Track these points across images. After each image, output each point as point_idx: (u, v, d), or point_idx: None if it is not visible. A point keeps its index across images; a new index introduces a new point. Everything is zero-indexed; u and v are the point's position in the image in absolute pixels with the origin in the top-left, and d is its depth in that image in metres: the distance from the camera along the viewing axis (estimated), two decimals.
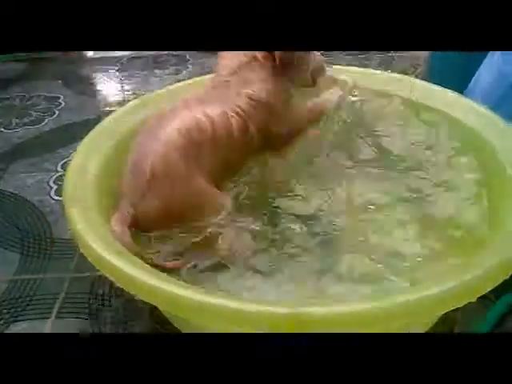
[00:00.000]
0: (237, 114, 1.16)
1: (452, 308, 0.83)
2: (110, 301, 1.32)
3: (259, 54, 1.23)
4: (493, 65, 1.41)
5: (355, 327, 0.76)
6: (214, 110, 1.14)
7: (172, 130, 1.10)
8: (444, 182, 1.18)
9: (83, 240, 0.95)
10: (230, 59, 1.26)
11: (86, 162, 1.17)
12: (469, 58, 1.64)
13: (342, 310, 0.77)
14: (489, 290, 0.82)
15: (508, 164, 1.07)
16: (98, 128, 1.30)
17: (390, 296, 0.82)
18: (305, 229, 1.11)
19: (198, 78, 1.61)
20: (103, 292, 1.35)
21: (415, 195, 1.17)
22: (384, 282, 0.95)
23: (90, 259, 0.95)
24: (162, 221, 1.09)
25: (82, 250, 0.98)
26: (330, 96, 1.34)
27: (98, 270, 1.34)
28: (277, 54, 1.22)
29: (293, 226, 1.12)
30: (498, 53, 1.41)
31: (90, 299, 1.33)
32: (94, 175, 1.14)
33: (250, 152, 1.22)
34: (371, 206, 1.15)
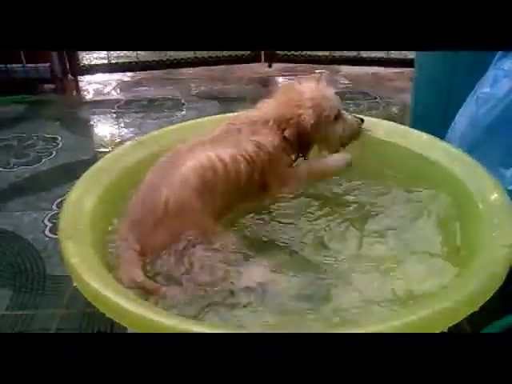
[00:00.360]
0: (245, 159, 1.25)
1: None
2: None
3: (273, 122, 1.32)
4: (468, 112, 1.49)
5: None
6: (226, 153, 1.23)
7: (187, 169, 1.18)
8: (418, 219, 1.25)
9: (77, 273, 0.99)
10: (248, 112, 1.39)
11: (82, 198, 1.22)
12: (447, 106, 1.74)
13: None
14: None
15: (479, 200, 1.15)
16: (95, 166, 1.35)
17: None
18: None
19: (192, 121, 1.69)
20: (93, 328, 1.38)
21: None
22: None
23: (82, 291, 0.98)
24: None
25: (75, 283, 1.01)
26: (336, 160, 1.42)
27: (88, 307, 1.40)
28: (287, 132, 1.31)
29: None
30: (473, 99, 1.49)
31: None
32: (89, 211, 1.19)
33: (251, 195, 1.30)
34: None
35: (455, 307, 0.87)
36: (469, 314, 0.88)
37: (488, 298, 0.90)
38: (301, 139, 1.34)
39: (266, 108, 1.38)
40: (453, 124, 1.59)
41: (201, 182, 1.17)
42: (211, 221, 1.18)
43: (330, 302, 1.07)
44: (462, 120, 1.52)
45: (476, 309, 0.89)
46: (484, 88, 1.46)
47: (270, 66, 3.25)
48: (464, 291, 0.90)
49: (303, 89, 1.39)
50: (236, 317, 1.04)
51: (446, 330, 0.86)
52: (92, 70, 3.19)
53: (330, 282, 1.12)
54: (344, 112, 1.42)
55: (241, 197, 1.28)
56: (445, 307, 0.86)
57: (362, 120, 1.44)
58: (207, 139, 1.29)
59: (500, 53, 1.47)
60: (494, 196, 1.14)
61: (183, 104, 2.88)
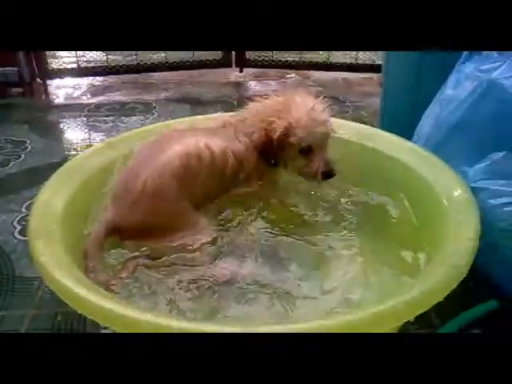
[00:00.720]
0: (234, 155, 1.26)
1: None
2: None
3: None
4: (433, 114, 1.54)
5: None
6: (217, 145, 1.24)
7: (173, 153, 1.20)
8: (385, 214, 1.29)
9: (46, 270, 0.98)
10: (248, 113, 1.34)
11: (51, 198, 1.21)
12: (414, 110, 1.78)
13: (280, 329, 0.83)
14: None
15: (444, 197, 1.19)
16: (64, 167, 1.35)
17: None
18: None
19: (161, 123, 1.71)
20: (64, 327, 1.37)
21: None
22: None
23: (52, 288, 0.97)
24: (141, 234, 1.15)
25: (44, 280, 1.01)
26: None
27: (59, 307, 1.39)
28: (254, 135, 1.28)
29: None
30: (437, 102, 1.54)
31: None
32: (59, 211, 1.18)
33: (233, 190, 1.30)
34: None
35: (420, 298, 0.90)
36: (434, 303, 0.91)
37: (452, 289, 0.94)
38: (266, 148, 1.28)
39: (256, 108, 1.35)
40: (418, 126, 1.63)
41: (183, 167, 1.18)
42: (189, 207, 1.19)
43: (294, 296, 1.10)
44: (426, 122, 1.56)
45: (441, 299, 0.92)
46: (447, 90, 1.51)
47: (241, 71, 3.27)
48: (429, 282, 0.93)
49: (297, 105, 1.28)
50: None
51: (412, 320, 0.89)
52: (61, 74, 3.16)
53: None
54: (320, 153, 1.29)
55: (224, 188, 1.29)
56: (412, 297, 0.89)
57: (331, 174, 1.29)
58: (201, 128, 1.30)
59: (463, 57, 1.53)
60: (458, 193, 1.19)
61: (154, 107, 2.88)
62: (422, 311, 0.90)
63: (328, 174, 1.29)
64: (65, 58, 3.36)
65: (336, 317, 0.86)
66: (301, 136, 1.26)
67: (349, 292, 1.11)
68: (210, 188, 1.25)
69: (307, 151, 1.29)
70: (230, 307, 1.07)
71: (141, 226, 1.14)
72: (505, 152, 1.30)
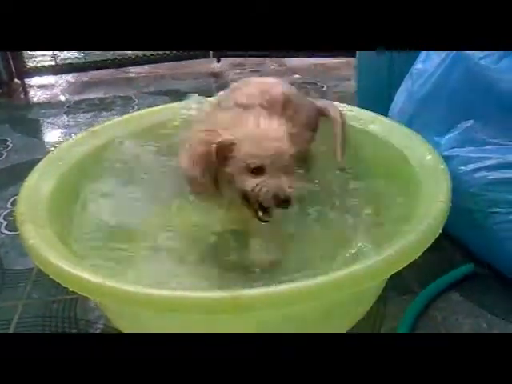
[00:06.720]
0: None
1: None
2: (62, 323, 1.37)
3: None
4: (405, 88, 1.59)
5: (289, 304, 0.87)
6: None
7: None
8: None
9: (36, 252, 1.01)
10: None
11: (38, 184, 1.25)
12: (388, 89, 1.83)
13: (275, 290, 0.87)
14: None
15: (416, 165, 1.24)
16: (50, 155, 1.39)
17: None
18: None
19: (147, 110, 1.75)
20: (56, 315, 1.39)
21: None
22: None
23: (42, 268, 1.00)
24: None
25: (34, 262, 1.04)
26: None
27: (50, 296, 1.41)
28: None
29: None
30: (409, 77, 1.59)
31: (43, 321, 1.37)
32: (46, 196, 1.21)
33: None
34: None
35: (396, 255, 0.95)
36: (410, 261, 0.96)
37: (426, 247, 0.99)
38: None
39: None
40: (393, 102, 1.68)
41: None
42: None
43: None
44: (400, 97, 1.61)
45: (416, 257, 0.97)
46: (417, 65, 1.56)
47: (218, 61, 3.30)
48: (405, 240, 0.98)
49: (247, 119, 1.11)
50: None
51: (387, 278, 0.93)
52: (39, 72, 3.16)
53: None
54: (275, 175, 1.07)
55: None
56: (388, 255, 0.94)
57: (287, 200, 1.05)
58: None
59: None
60: (429, 159, 1.24)
61: (134, 101, 2.89)
62: (398, 269, 0.95)
63: (282, 201, 1.06)
64: (42, 57, 3.36)
65: (319, 277, 0.89)
66: (248, 151, 1.08)
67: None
68: None
69: (257, 172, 1.08)
70: None
71: None
72: (473, 120, 1.36)
